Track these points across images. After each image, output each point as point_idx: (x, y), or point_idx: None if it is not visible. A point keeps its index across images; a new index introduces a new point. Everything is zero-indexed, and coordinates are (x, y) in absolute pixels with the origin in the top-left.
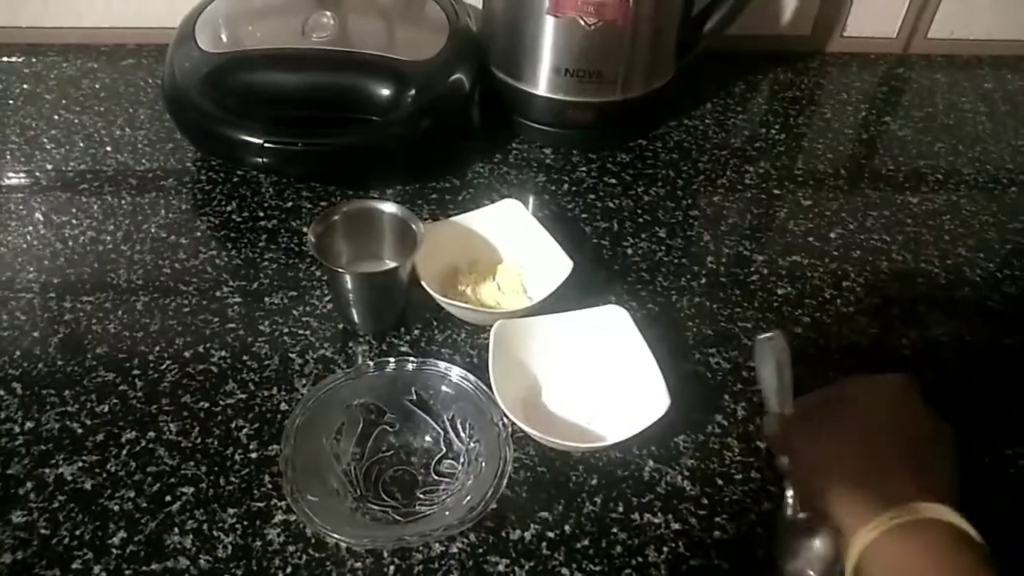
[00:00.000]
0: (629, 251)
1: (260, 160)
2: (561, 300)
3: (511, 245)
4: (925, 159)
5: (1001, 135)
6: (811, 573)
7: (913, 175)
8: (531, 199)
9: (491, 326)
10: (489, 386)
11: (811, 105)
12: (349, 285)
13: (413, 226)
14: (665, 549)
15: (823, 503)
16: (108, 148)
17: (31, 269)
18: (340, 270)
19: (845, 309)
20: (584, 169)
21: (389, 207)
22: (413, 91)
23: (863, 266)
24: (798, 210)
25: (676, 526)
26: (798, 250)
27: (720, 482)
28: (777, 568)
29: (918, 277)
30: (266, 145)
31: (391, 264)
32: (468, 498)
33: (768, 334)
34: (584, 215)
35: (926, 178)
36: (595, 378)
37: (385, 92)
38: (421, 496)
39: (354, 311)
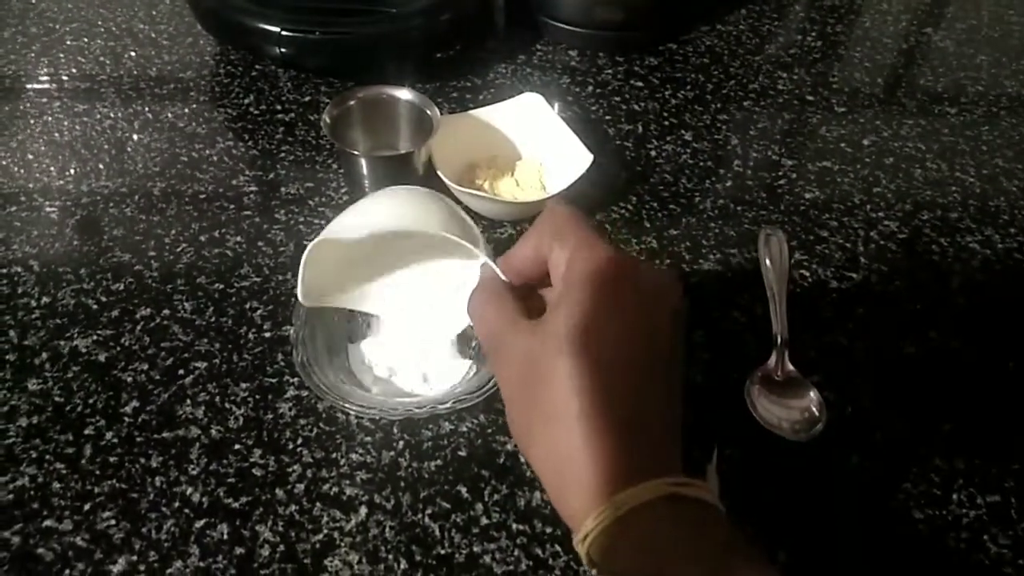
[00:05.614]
0: (653, 153)
1: (278, 49)
2: (580, 198)
3: (531, 140)
4: (966, 71)
5: None
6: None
7: (952, 86)
8: (554, 102)
9: (508, 221)
10: None
11: (850, 14)
12: (364, 170)
13: (428, 112)
14: None
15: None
16: (127, 41)
17: (50, 154)
18: (355, 152)
19: (874, 214)
20: (610, 72)
21: (405, 94)
22: None
23: (896, 173)
24: (831, 117)
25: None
26: (829, 155)
27: (735, 375)
28: None
29: (952, 185)
30: (283, 33)
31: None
32: (478, 377)
33: (768, 229)
34: (608, 117)
35: (966, 89)
36: None
37: None
38: (433, 379)
39: None
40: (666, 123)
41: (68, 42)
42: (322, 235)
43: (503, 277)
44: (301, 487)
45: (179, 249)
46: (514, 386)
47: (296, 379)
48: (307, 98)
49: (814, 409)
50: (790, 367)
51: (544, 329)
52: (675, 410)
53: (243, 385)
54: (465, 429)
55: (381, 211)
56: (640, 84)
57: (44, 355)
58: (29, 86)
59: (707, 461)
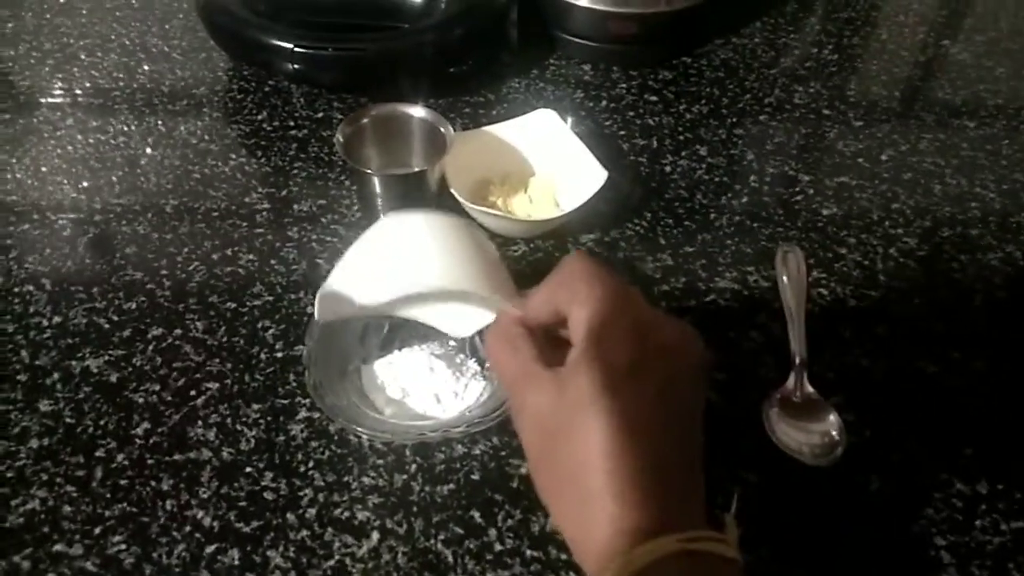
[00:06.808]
0: (668, 168)
1: (290, 66)
2: (594, 215)
3: (544, 156)
4: (985, 83)
5: None
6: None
7: (972, 99)
8: (568, 116)
9: (522, 238)
10: None
11: (866, 26)
12: (377, 188)
13: (442, 129)
14: None
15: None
16: (141, 56)
17: (62, 170)
18: (368, 171)
19: (893, 231)
20: (624, 86)
21: (418, 111)
22: None
23: (914, 188)
24: (848, 131)
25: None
26: (846, 171)
27: (753, 397)
28: None
29: (972, 201)
30: (296, 49)
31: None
32: (492, 399)
33: (785, 246)
34: (622, 132)
35: (985, 103)
36: None
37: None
38: (446, 400)
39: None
40: (681, 138)
41: (82, 57)
42: (335, 280)
43: (518, 313)
44: (313, 511)
45: (191, 267)
46: (536, 443)
47: (308, 400)
48: (320, 114)
49: (834, 433)
50: (809, 389)
51: (564, 389)
52: (696, 463)
53: (255, 406)
54: (478, 452)
55: (401, 266)
56: (654, 98)
57: (55, 375)
58: (43, 101)
59: (726, 510)
